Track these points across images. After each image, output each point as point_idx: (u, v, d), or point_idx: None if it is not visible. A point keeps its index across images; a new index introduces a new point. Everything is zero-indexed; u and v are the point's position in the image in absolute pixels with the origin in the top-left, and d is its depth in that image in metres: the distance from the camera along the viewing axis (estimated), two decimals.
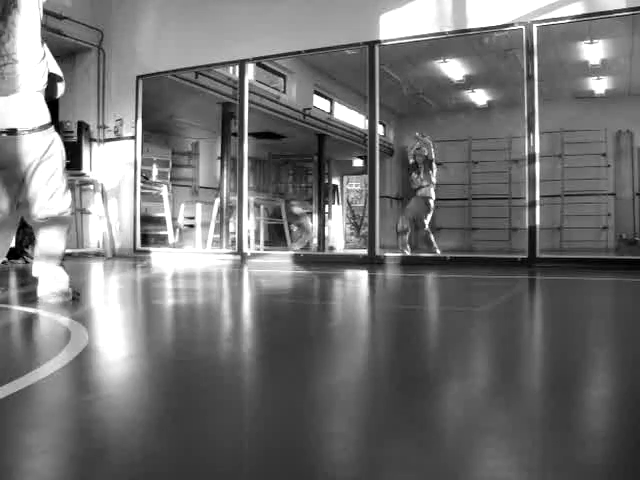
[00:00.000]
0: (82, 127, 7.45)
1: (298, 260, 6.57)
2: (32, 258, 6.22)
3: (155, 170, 8.16)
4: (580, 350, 1.84)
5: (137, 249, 7.51)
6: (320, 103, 10.72)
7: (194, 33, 7.23)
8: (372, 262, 6.15)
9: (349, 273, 5.15)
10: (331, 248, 11.68)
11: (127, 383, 1.44)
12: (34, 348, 1.91)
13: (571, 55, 8.80)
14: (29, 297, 2.86)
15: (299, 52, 6.75)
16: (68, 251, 7.12)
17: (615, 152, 10.73)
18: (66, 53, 7.85)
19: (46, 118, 2.70)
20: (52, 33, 7.13)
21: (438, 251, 7.14)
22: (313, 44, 6.57)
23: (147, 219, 7.99)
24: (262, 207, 9.68)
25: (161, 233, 7.92)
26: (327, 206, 11.91)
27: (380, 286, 4.34)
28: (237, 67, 7.15)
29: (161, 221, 7.90)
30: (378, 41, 6.22)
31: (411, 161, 7.56)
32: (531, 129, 5.61)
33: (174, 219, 8.33)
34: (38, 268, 2.72)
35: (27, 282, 4.37)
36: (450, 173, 7.88)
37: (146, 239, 7.92)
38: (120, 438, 1.03)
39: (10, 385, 1.31)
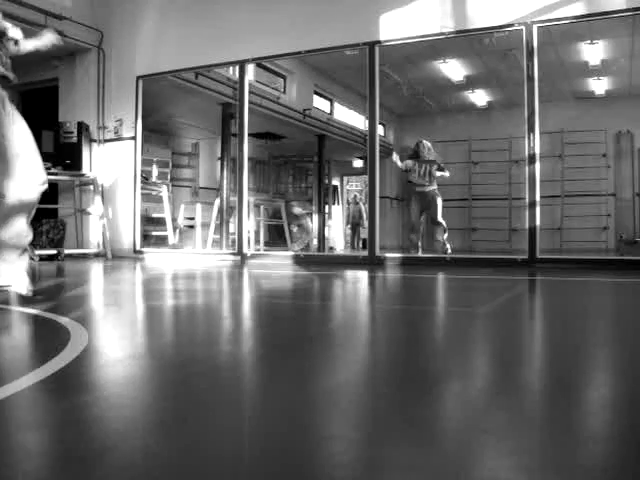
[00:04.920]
0: (82, 127, 7.45)
1: (298, 261, 6.57)
2: (32, 259, 6.24)
3: (155, 170, 8.16)
4: (580, 351, 1.84)
5: (137, 250, 7.51)
6: (320, 103, 10.72)
7: (194, 33, 7.23)
8: (372, 263, 6.15)
9: (349, 274, 5.15)
10: (331, 249, 11.68)
11: (127, 384, 1.44)
12: (34, 349, 1.90)
13: (571, 55, 8.80)
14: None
15: (299, 52, 6.75)
16: (68, 252, 7.17)
17: (615, 153, 10.74)
18: (66, 53, 7.85)
19: None
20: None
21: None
22: (313, 44, 6.57)
23: (147, 219, 7.99)
24: (262, 208, 9.68)
25: (161, 234, 7.92)
26: (327, 207, 11.91)
27: (380, 287, 4.34)
28: (237, 67, 7.15)
29: (161, 222, 7.91)
30: (378, 41, 6.22)
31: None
32: (531, 129, 5.61)
33: (174, 220, 8.34)
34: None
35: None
36: (450, 173, 8.05)
37: (146, 240, 7.92)
38: (120, 438, 1.02)
39: (10, 385, 1.30)
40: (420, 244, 7.49)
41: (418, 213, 7.51)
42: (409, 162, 7.60)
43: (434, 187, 7.45)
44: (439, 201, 7.41)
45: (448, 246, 7.31)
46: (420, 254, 7.24)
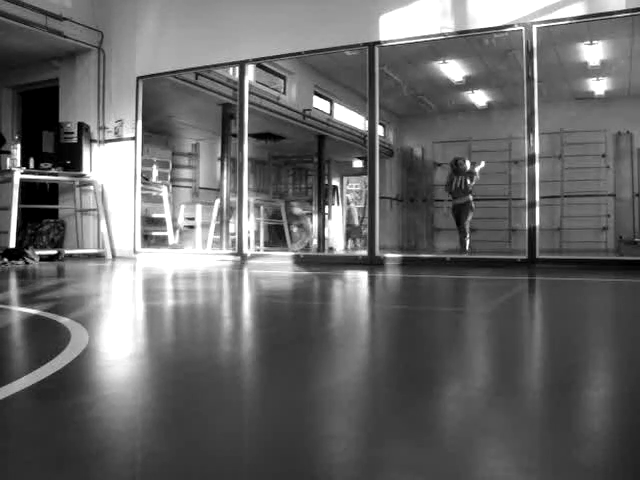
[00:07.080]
0: (82, 128, 7.45)
1: (298, 261, 6.57)
2: (33, 259, 6.25)
3: (155, 171, 8.16)
4: (579, 350, 1.84)
5: (137, 250, 7.51)
6: (320, 104, 10.72)
7: (194, 34, 7.24)
8: (372, 263, 6.15)
9: (349, 274, 5.15)
10: (331, 249, 11.67)
11: (127, 384, 1.44)
12: (35, 348, 1.91)
13: (571, 56, 8.80)
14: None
15: (299, 53, 6.75)
16: (68, 252, 7.17)
17: (615, 153, 10.74)
18: (66, 54, 7.85)
19: None
20: (53, 34, 7.15)
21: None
22: (313, 45, 6.57)
23: (147, 220, 8.00)
24: (262, 208, 9.68)
25: (161, 234, 7.92)
26: (327, 207, 11.91)
27: (380, 287, 4.34)
28: (237, 68, 7.15)
29: (161, 222, 7.91)
30: (378, 42, 6.23)
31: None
32: (531, 130, 5.62)
33: (174, 220, 8.34)
34: None
35: (27, 283, 4.38)
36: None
37: (146, 240, 7.93)
38: (120, 438, 1.03)
39: (12, 385, 1.31)
40: (467, 245, 8.49)
41: (456, 221, 8.68)
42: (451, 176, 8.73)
43: (469, 198, 8.51)
44: (470, 212, 8.56)
45: (467, 248, 8.36)
46: (467, 255, 7.81)
